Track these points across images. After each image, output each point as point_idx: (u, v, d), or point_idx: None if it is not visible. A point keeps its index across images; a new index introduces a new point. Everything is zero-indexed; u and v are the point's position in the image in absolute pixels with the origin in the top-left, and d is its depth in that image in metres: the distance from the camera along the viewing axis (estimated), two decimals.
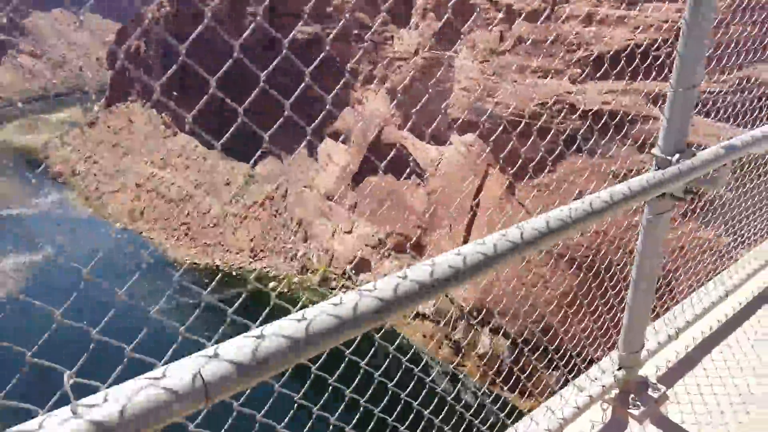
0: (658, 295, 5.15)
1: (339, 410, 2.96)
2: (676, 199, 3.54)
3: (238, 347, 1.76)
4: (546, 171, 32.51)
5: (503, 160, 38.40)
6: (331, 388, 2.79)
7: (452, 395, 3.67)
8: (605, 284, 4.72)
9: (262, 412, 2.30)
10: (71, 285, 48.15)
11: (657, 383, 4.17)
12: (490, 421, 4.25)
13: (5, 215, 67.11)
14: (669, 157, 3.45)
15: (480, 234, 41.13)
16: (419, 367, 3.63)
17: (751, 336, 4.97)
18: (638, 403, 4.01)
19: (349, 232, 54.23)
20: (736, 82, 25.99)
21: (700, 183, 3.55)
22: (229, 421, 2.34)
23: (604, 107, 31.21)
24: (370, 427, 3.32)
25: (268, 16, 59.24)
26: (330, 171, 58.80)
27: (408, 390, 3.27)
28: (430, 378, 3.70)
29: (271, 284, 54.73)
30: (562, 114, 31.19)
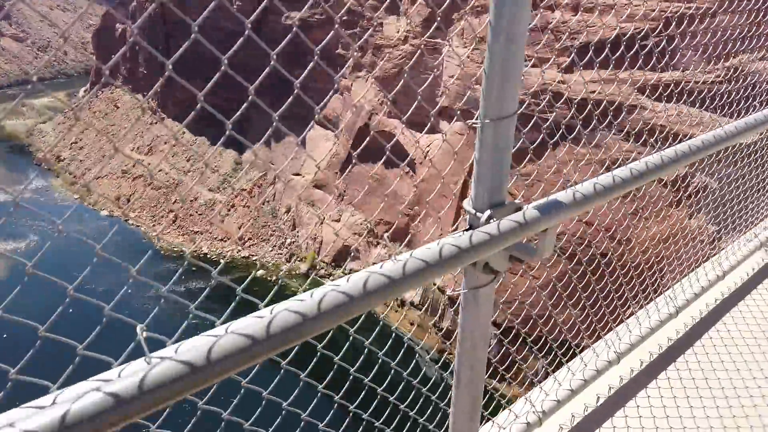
0: (652, 283, 5.21)
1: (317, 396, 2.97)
2: (490, 271, 2.63)
3: (193, 347, 1.66)
4: (529, 160, 32.60)
5: None
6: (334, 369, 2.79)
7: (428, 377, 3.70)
8: (587, 275, 4.75)
9: (229, 410, 2.26)
10: (56, 272, 47.71)
11: None
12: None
13: None
14: (479, 214, 2.55)
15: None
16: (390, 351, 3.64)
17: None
18: None
19: (338, 220, 54.19)
20: (724, 72, 26.18)
21: (518, 251, 2.63)
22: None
23: (591, 96, 31.32)
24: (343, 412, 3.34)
25: (257, 1, 58.58)
26: (318, 158, 58.56)
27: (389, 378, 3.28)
28: (410, 367, 3.71)
29: (260, 272, 54.68)
30: (548, 103, 31.23)
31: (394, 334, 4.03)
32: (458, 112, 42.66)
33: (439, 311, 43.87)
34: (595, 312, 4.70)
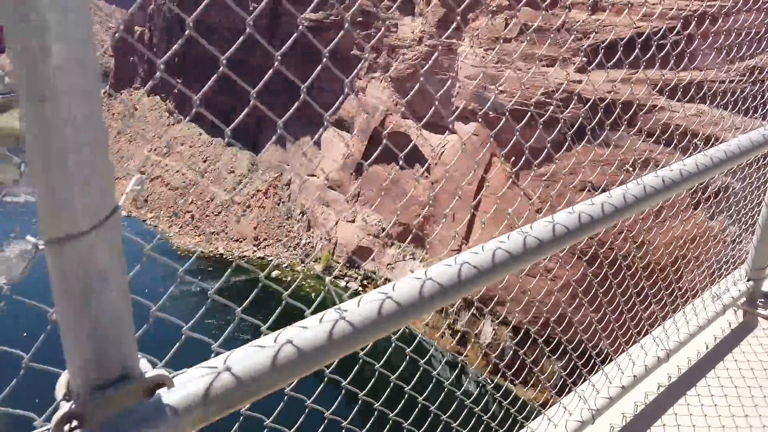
0: (667, 285, 5.13)
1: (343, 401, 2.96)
2: None
3: (190, 380, 1.58)
4: (545, 159, 32.40)
5: (506, 150, 38.29)
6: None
7: (451, 383, 3.65)
8: (609, 278, 4.69)
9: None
10: None
11: None
12: (496, 413, 4.25)
13: (10, 202, 67.32)
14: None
15: (482, 223, 41.10)
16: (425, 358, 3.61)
17: None
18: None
19: (352, 221, 54.27)
20: (745, 73, 25.79)
21: None
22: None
23: (609, 96, 30.96)
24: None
25: (271, 2, 58.92)
26: (333, 159, 58.74)
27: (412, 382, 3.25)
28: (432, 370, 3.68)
29: (275, 272, 54.95)
30: (566, 103, 31.01)
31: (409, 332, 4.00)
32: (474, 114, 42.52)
33: (453, 313, 43.73)
34: (617, 316, 4.65)
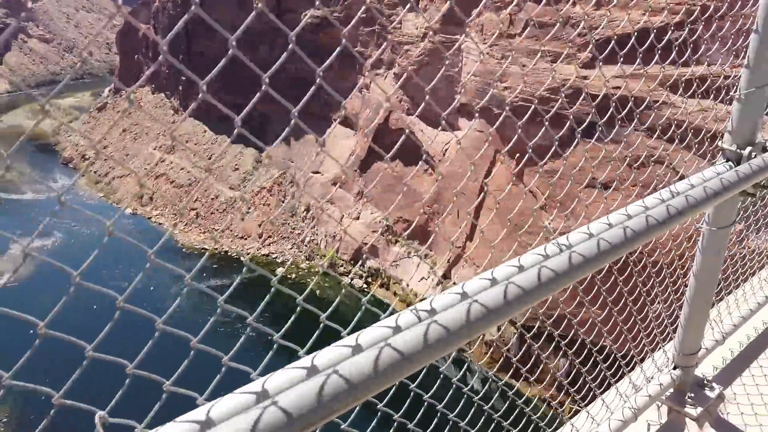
0: (677, 279, 5.10)
1: None
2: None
3: (231, 410, 1.52)
4: (550, 156, 32.32)
5: (511, 146, 38.17)
6: None
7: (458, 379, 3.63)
8: (618, 281, 4.67)
9: None
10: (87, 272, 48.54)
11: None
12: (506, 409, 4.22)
13: (16, 200, 67.64)
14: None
15: (488, 219, 41.04)
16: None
17: None
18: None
19: (357, 218, 54.30)
20: None
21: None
22: None
23: (615, 92, 30.84)
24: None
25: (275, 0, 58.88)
26: (338, 156, 58.74)
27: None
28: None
29: (279, 270, 55.06)
30: (572, 99, 30.88)
31: None
32: (477, 110, 42.41)
33: None
34: (620, 310, 4.62)
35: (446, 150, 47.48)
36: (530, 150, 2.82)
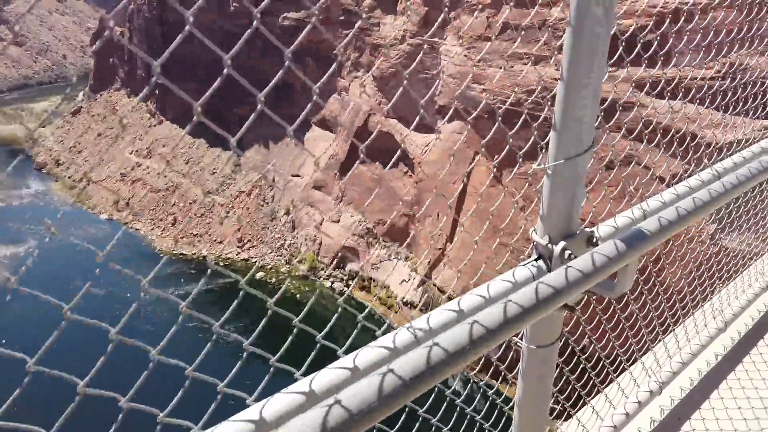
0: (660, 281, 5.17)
1: None
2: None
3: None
4: (528, 157, 32.60)
5: (487, 148, 38.45)
6: None
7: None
8: None
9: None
10: (54, 277, 47.64)
11: None
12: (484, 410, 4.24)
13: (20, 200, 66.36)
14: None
15: (469, 222, 41.25)
16: None
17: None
18: None
19: (337, 221, 54.17)
20: (724, 69, 26.18)
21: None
22: None
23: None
24: None
25: (252, 1, 58.55)
26: (317, 159, 58.55)
27: None
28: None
29: (259, 274, 54.65)
30: (548, 100, 31.34)
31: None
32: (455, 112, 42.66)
33: None
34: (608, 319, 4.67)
35: (426, 152, 47.66)
36: (506, 147, 2.84)
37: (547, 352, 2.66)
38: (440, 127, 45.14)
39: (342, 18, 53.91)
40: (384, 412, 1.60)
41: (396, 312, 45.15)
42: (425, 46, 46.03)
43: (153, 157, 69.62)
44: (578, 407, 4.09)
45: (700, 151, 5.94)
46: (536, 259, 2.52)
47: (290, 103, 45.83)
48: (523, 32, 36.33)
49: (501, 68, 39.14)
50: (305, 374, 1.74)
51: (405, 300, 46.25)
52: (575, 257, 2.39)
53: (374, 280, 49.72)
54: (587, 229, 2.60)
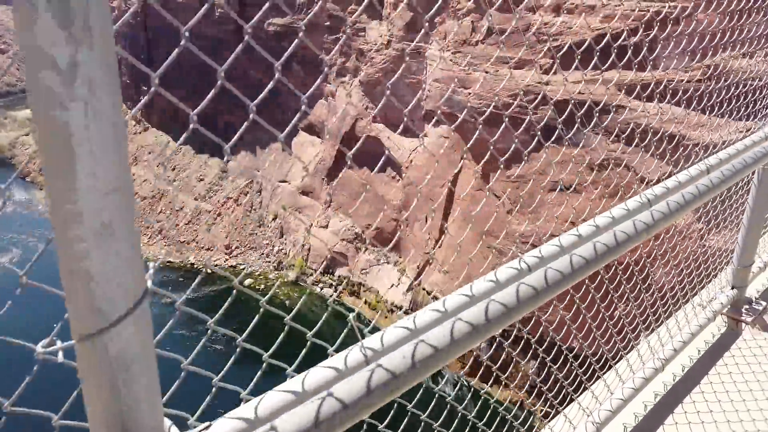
0: (633, 284, 5.23)
1: None
2: None
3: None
4: (514, 161, 32.80)
5: (474, 152, 38.65)
6: None
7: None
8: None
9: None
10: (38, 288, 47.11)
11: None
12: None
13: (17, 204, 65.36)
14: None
15: (456, 225, 41.38)
16: None
17: None
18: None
19: (326, 226, 54.07)
20: (707, 71, 26.55)
21: None
22: None
23: (575, 97, 31.50)
24: None
25: (237, 6, 58.41)
26: (304, 165, 58.43)
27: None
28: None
29: (247, 281, 54.36)
30: (533, 104, 31.59)
31: None
32: (441, 115, 42.78)
33: None
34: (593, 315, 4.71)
35: (413, 156, 47.76)
36: (491, 151, 2.86)
37: None
38: (427, 132, 45.28)
39: (327, 24, 53.97)
40: (374, 405, 1.74)
41: (386, 318, 45.10)
42: (410, 50, 46.21)
43: (138, 164, 69.13)
44: (565, 404, 4.12)
45: (677, 153, 6.03)
46: None
47: (276, 107, 45.76)
48: (508, 37, 36.59)
49: (486, 72, 39.38)
50: (297, 371, 1.77)
51: (394, 303, 46.25)
52: None
53: (363, 285, 49.68)
54: None
